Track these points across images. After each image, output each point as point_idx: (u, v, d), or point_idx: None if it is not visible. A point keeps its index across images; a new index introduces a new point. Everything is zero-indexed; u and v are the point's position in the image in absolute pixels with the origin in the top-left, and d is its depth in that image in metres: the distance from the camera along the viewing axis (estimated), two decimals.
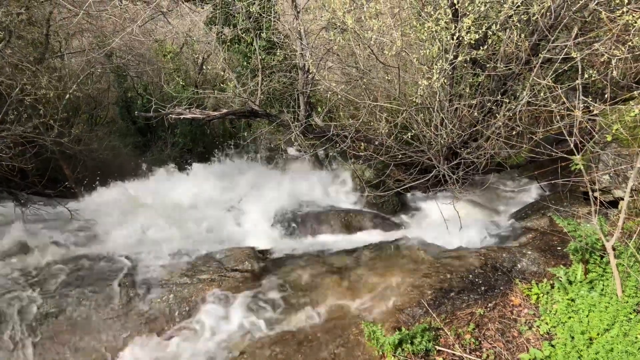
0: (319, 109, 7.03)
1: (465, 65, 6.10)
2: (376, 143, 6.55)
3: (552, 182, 6.53)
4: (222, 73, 18.61)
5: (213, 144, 16.60)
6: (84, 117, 14.38)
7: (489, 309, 4.64)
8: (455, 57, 4.96)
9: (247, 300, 5.20)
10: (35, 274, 5.56)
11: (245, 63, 8.47)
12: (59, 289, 5.30)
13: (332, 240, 7.06)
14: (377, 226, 7.52)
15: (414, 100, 5.16)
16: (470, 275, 5.15)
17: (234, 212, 8.15)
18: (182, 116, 6.25)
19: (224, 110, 6.45)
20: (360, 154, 5.58)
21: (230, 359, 4.54)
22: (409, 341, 4.15)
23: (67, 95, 9.48)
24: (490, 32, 5.44)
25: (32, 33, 10.29)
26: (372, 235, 7.14)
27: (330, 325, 4.77)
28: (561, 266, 4.82)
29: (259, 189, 9.26)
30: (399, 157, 5.87)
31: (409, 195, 8.34)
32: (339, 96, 6.34)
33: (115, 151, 13.75)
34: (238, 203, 8.58)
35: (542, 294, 4.67)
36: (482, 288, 4.94)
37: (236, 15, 7.71)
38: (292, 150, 16.50)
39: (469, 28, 4.79)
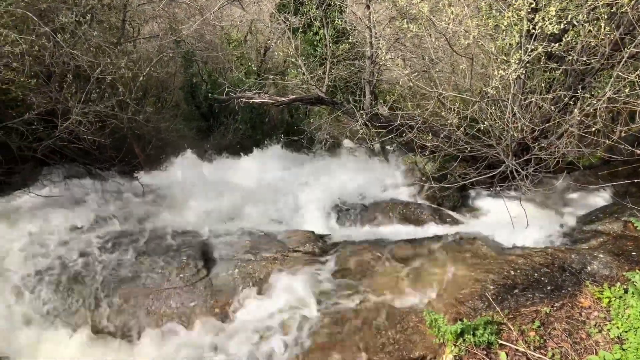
0: (385, 99, 7.02)
1: (541, 58, 5.90)
2: (441, 135, 6.48)
3: (628, 184, 6.20)
4: (284, 62, 18.93)
5: (272, 133, 16.96)
6: (151, 100, 15.02)
7: (555, 308, 4.51)
8: (533, 49, 4.81)
9: (308, 280, 5.33)
10: (112, 242, 5.97)
11: (312, 51, 8.59)
12: (133, 256, 5.66)
13: (390, 230, 7.07)
14: (437, 220, 7.44)
15: (487, 91, 5.06)
16: (536, 274, 5.01)
17: (293, 198, 8.33)
18: (251, 100, 6.47)
19: (292, 96, 6.60)
20: (427, 144, 5.55)
21: (289, 335, 4.69)
22: (471, 332, 4.12)
23: (140, 78, 9.97)
24: (572, 25, 5.23)
25: (110, 18, 10.89)
26: (431, 229, 7.08)
27: (389, 311, 4.81)
28: (637, 271, 4.60)
29: (316, 177, 9.40)
30: (466, 150, 5.78)
31: (470, 191, 8.18)
32: (405, 86, 6.31)
33: (180, 134, 14.28)
34: (296, 189, 8.76)
35: (614, 298, 4.48)
36: (549, 287, 4.80)
37: (307, 2, 7.83)
38: (348, 142, 16.55)
39: (551, 19, 4.63)
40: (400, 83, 6.35)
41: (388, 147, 12.43)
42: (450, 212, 7.79)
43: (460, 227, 7.02)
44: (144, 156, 10.57)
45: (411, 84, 5.34)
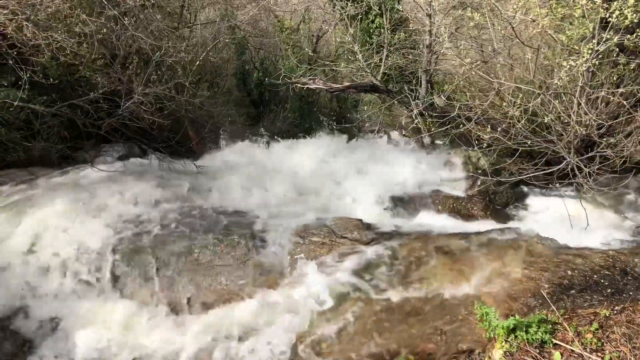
0: (443, 89, 6.88)
1: (612, 50, 5.59)
2: (499, 129, 6.29)
3: None
4: (335, 51, 18.84)
5: (320, 121, 17.02)
6: (205, 85, 15.36)
7: (615, 312, 4.30)
8: (608, 38, 4.56)
9: (355, 266, 5.34)
10: (167, 217, 6.21)
11: (368, 39, 8.52)
12: (187, 233, 5.88)
13: (440, 223, 6.95)
14: (489, 216, 7.27)
15: (553, 83, 4.86)
16: (595, 276, 4.81)
17: (342, 186, 8.35)
18: (306, 86, 6.51)
19: (346, 84, 6.60)
20: (483, 137, 5.40)
21: (335, 318, 4.74)
22: (524, 329, 4.00)
23: (197, 62, 10.23)
24: None
25: (170, 3, 11.21)
26: (482, 224, 6.90)
27: (437, 302, 4.76)
28: None
29: (365, 166, 9.36)
30: (525, 145, 5.58)
31: (523, 188, 7.92)
32: (463, 77, 6.15)
33: (232, 119, 14.56)
34: (345, 178, 8.77)
35: None
36: (609, 290, 4.59)
37: None
38: (396, 133, 16.39)
39: (629, 7, 4.37)
40: (458, 73, 6.19)
41: (438, 141, 12.22)
42: (503, 209, 7.58)
43: (512, 224, 6.82)
44: (197, 139, 10.89)
45: (472, 73, 5.20)
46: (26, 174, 7.23)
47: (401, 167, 9.03)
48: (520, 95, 4.90)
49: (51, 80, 6.41)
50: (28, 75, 5.92)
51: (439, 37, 6.11)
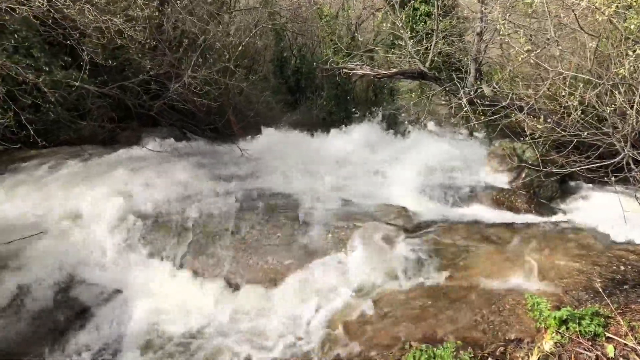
0: (493, 77, 6.76)
1: None
2: (549, 120, 6.14)
3: None
4: (374, 40, 18.65)
5: (355, 110, 16.99)
6: (243, 71, 15.48)
7: None
8: None
9: (399, 252, 5.37)
10: (215, 197, 6.38)
11: (414, 25, 8.43)
12: (235, 212, 6.02)
13: (483, 215, 6.88)
14: (533, 209, 7.14)
15: (618, 72, 4.71)
16: None
17: (381, 174, 8.35)
18: (353, 71, 6.51)
19: (394, 70, 6.56)
20: (531, 129, 5.28)
21: (379, 301, 4.78)
22: (576, 321, 3.96)
23: (240, 47, 10.33)
24: None
25: None
26: (526, 217, 6.81)
27: (483, 291, 4.74)
28: None
29: (404, 156, 9.32)
30: (580, 136, 5.43)
31: (571, 182, 7.75)
32: (517, 65, 6.03)
33: (269, 106, 14.68)
34: (384, 167, 8.75)
35: None
36: None
37: None
38: (432, 124, 16.21)
39: None
40: (509, 62, 6.06)
41: (477, 134, 12.03)
42: (547, 203, 7.44)
43: (559, 218, 6.69)
44: (237, 124, 11.06)
45: (526, 62, 5.08)
46: (79, 150, 7.50)
47: (441, 158, 8.95)
48: (581, 84, 4.77)
49: (110, 62, 6.61)
50: (89, 57, 6.13)
51: (491, 24, 5.98)
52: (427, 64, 6.62)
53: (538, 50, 5.08)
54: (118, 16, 6.13)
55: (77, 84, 6.40)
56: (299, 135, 10.73)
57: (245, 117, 11.33)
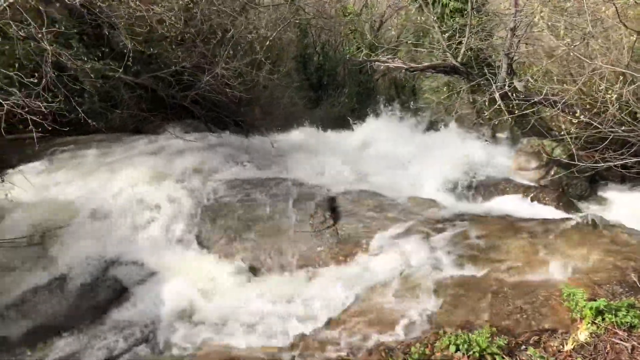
0: (525, 72, 6.77)
1: None
2: (581, 116, 6.13)
3: None
4: (397, 37, 18.62)
5: (378, 108, 16.99)
6: (266, 67, 15.60)
7: None
8: None
9: (431, 243, 5.44)
10: (249, 184, 6.52)
11: (445, 21, 8.46)
12: (268, 199, 6.15)
13: (511, 211, 6.88)
14: (562, 207, 7.11)
15: None
16: None
17: (408, 169, 8.41)
18: (385, 64, 6.58)
19: (425, 64, 6.63)
20: (574, 120, 5.29)
21: (411, 290, 4.84)
22: (613, 312, 3.98)
23: (267, 42, 10.45)
24: None
25: None
26: (555, 214, 6.79)
27: (517, 282, 4.78)
28: None
29: (429, 152, 9.33)
30: (617, 132, 5.44)
31: (601, 181, 7.71)
32: (554, 60, 6.02)
33: (293, 101, 14.80)
34: (410, 162, 8.81)
35: None
36: None
37: None
38: (454, 124, 16.11)
39: None
40: (541, 57, 6.07)
41: (500, 134, 11.99)
42: (577, 201, 7.42)
43: (589, 215, 6.63)
44: (263, 118, 11.21)
45: (560, 57, 5.09)
46: (114, 138, 7.71)
47: (467, 155, 8.95)
48: (621, 79, 4.78)
49: (151, 50, 6.78)
50: (130, 46, 6.30)
51: (525, 19, 5.99)
52: (458, 59, 6.65)
53: (577, 44, 5.08)
54: (159, 5, 6.29)
55: (117, 74, 6.58)
56: (325, 130, 10.82)
57: (270, 111, 11.48)
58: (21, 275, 5.00)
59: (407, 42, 14.70)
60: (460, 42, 7.05)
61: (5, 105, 4.63)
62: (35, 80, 4.84)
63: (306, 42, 17.22)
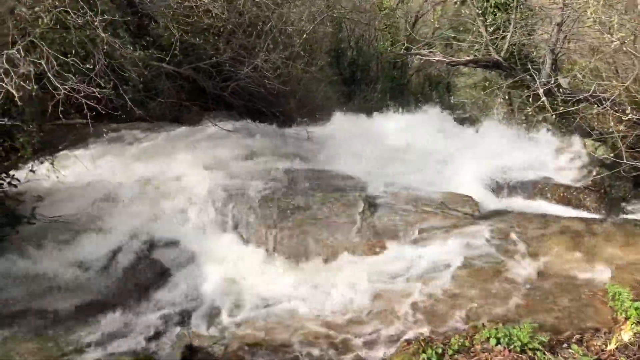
0: (570, 68, 6.62)
1: None
2: (630, 116, 5.96)
3: None
4: (432, 33, 18.41)
5: (410, 104, 16.89)
6: (303, 60, 15.66)
7: None
8: None
9: (468, 238, 5.41)
10: (286, 174, 6.62)
11: (486, 16, 8.30)
12: (306, 189, 6.23)
13: (552, 209, 6.78)
14: (602, 208, 6.97)
15: None
16: None
17: (445, 165, 8.34)
18: (426, 58, 6.55)
19: (467, 58, 6.56)
20: (625, 117, 5.15)
21: (448, 284, 4.84)
22: None
23: (304, 35, 10.51)
24: None
25: None
26: (598, 215, 6.65)
27: (557, 280, 4.73)
28: None
29: (465, 149, 9.23)
30: None
31: None
32: (598, 56, 5.87)
33: (326, 95, 14.83)
34: (447, 158, 8.73)
35: None
36: None
37: None
38: (490, 121, 15.83)
39: None
40: (588, 53, 5.92)
41: (541, 130, 11.72)
42: (619, 203, 7.23)
43: (632, 217, 6.49)
44: (297, 110, 11.29)
45: (615, 52, 4.95)
46: (156, 126, 7.94)
47: (504, 152, 8.82)
48: None
49: (196, 40, 6.93)
50: (179, 34, 6.47)
51: (573, 14, 5.85)
52: (501, 54, 6.55)
53: (628, 40, 4.95)
54: None
55: (163, 63, 6.76)
56: (359, 124, 10.81)
57: (304, 104, 11.55)
58: (72, 253, 5.23)
59: (448, 36, 14.46)
60: (503, 37, 6.93)
61: (62, 89, 4.82)
62: (91, 67, 5.03)
63: (340, 36, 17.24)
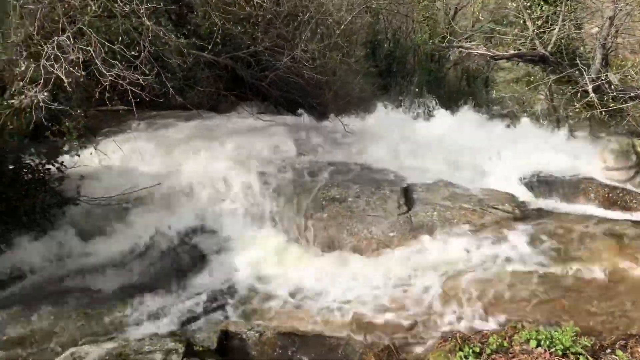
0: (622, 64, 6.34)
1: None
2: None
3: None
4: (472, 26, 17.98)
5: (446, 98, 16.54)
6: (343, 51, 15.49)
7: None
8: None
9: (509, 236, 5.28)
10: (322, 166, 6.62)
11: (536, 8, 8.02)
12: (341, 181, 6.22)
13: (596, 211, 6.53)
14: None
15: None
16: None
17: (481, 162, 8.13)
18: (468, 51, 6.40)
19: (512, 52, 6.36)
20: None
21: (486, 282, 4.75)
22: None
23: (341, 26, 10.41)
24: None
25: None
26: None
27: (601, 284, 4.57)
28: None
29: (503, 146, 8.99)
30: None
31: None
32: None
33: (362, 87, 14.69)
34: (483, 155, 8.51)
35: None
36: None
37: None
38: (527, 119, 15.36)
39: None
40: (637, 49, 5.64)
41: (582, 129, 11.29)
42: None
43: None
44: (333, 102, 11.24)
45: None
46: (195, 114, 8.06)
47: (545, 151, 8.55)
48: None
49: (238, 29, 6.98)
50: (221, 23, 6.53)
51: (627, 7, 5.59)
52: (548, 48, 6.33)
53: None
54: None
55: (205, 52, 6.84)
56: (395, 117, 10.68)
57: (341, 96, 11.47)
58: (114, 235, 5.40)
59: (490, 29, 14.08)
60: (550, 31, 6.68)
61: (108, 76, 4.95)
62: (136, 54, 5.14)
63: (377, 28, 17.04)
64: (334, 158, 6.94)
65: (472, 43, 6.71)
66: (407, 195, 6.04)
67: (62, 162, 5.69)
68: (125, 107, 8.05)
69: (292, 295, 5.00)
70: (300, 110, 9.70)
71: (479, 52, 6.45)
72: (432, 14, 17.90)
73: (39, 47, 5.22)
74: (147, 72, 5.30)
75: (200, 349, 3.87)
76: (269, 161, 6.56)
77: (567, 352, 3.56)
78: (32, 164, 5.50)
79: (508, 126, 11.87)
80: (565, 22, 6.65)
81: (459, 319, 4.36)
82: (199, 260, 5.41)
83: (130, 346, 3.22)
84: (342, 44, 8.75)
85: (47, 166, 5.55)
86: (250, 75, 8.44)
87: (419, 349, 4.08)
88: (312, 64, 7.94)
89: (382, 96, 15.38)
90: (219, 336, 4.17)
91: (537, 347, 3.62)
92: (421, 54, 18.04)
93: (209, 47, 6.90)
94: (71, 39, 5.10)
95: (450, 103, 14.69)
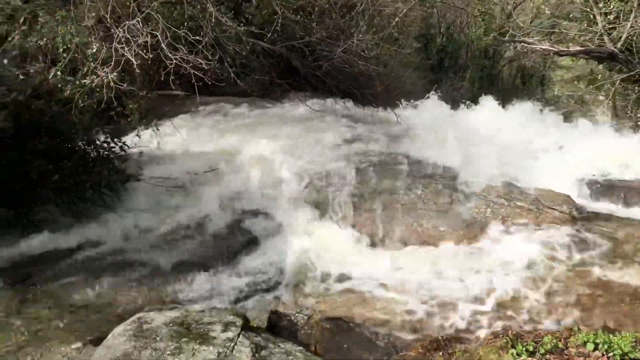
0: None
1: None
2: None
3: None
4: (531, 22, 17.37)
5: (501, 95, 16.06)
6: (398, 43, 15.28)
7: None
8: None
9: (565, 238, 5.12)
10: (375, 158, 6.62)
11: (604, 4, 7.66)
12: (392, 174, 6.21)
13: None
14: None
15: None
16: None
17: (540, 161, 7.91)
18: (531, 46, 6.19)
19: (578, 48, 6.10)
20: None
21: (540, 282, 4.63)
22: None
23: (396, 19, 10.29)
24: None
25: None
26: None
27: None
28: None
29: (564, 146, 8.68)
30: None
31: None
32: None
33: (412, 81, 14.53)
34: (542, 154, 8.26)
35: None
36: None
37: None
38: (591, 116, 14.71)
39: None
40: None
41: None
42: None
43: None
44: (385, 93, 11.17)
45: None
46: (249, 101, 8.25)
47: (606, 151, 8.19)
48: None
49: (297, 18, 7.07)
50: (281, 11, 6.63)
51: None
52: (618, 45, 6.03)
53: None
54: None
55: (261, 42, 6.96)
56: (447, 112, 10.50)
57: (392, 88, 11.39)
58: (171, 213, 5.63)
59: (553, 24, 13.54)
60: (620, 27, 6.36)
61: (173, 59, 5.14)
62: (200, 39, 5.31)
63: (431, 22, 16.76)
64: (386, 149, 6.92)
65: (535, 39, 6.46)
66: (460, 190, 5.95)
67: (125, 141, 5.96)
68: (184, 93, 8.35)
69: (340, 281, 5.05)
70: (352, 101, 9.71)
71: (543, 47, 6.22)
72: (488, 8, 17.37)
73: (111, 31, 5.50)
74: (210, 57, 5.46)
75: (255, 325, 3.99)
76: (321, 150, 6.62)
77: (626, 357, 3.43)
78: (98, 142, 5.80)
79: (566, 125, 11.45)
80: (637, 18, 6.30)
81: (511, 317, 4.27)
82: (250, 243, 5.54)
83: (191, 316, 3.37)
84: (396, 36, 8.64)
85: (112, 145, 5.83)
86: (304, 65, 8.51)
87: (468, 344, 4.03)
88: (367, 54, 7.91)
89: (433, 91, 15.15)
90: (269, 315, 4.28)
91: (594, 350, 3.51)
92: (474, 49, 17.60)
93: (269, 35, 7.01)
94: (140, 23, 5.33)
95: (505, 100, 14.28)
